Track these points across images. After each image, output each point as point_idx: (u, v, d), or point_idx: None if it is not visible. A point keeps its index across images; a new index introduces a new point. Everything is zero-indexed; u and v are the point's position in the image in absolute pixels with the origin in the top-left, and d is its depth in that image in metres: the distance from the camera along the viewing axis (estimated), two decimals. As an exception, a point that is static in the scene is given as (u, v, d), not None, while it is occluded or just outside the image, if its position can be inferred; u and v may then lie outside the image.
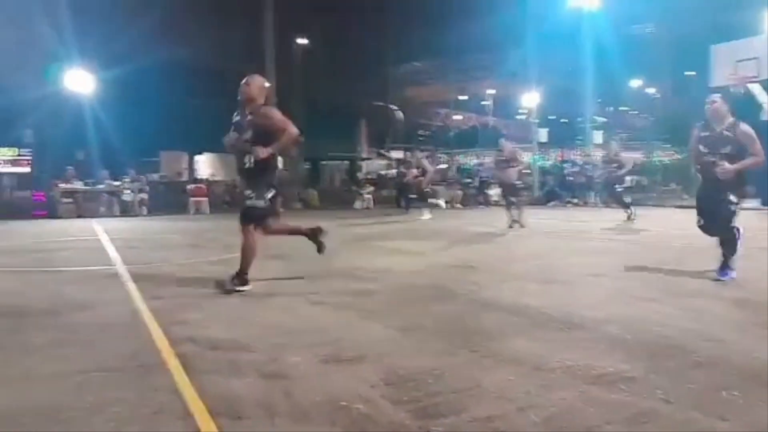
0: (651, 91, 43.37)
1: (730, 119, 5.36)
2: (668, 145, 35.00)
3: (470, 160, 37.67)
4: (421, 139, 42.41)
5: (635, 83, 42.46)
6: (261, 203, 5.11)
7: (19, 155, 19.98)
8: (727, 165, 5.17)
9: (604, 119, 39.34)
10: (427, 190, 15.04)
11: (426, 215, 14.10)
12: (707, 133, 5.45)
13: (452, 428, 2.33)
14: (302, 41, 29.11)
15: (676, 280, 5.41)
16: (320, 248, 5.84)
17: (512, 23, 27.25)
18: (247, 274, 5.12)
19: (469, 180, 25.30)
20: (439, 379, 2.84)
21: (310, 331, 3.79)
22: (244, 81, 5.25)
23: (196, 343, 3.49)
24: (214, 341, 3.53)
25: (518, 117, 42.97)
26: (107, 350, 3.41)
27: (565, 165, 29.58)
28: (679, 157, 29.06)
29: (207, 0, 24.51)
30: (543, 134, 29.27)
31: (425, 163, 15.06)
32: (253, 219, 5.14)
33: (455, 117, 46.82)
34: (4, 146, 20.19)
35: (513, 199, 11.33)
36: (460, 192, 23.15)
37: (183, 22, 24.04)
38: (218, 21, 24.60)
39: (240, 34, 23.50)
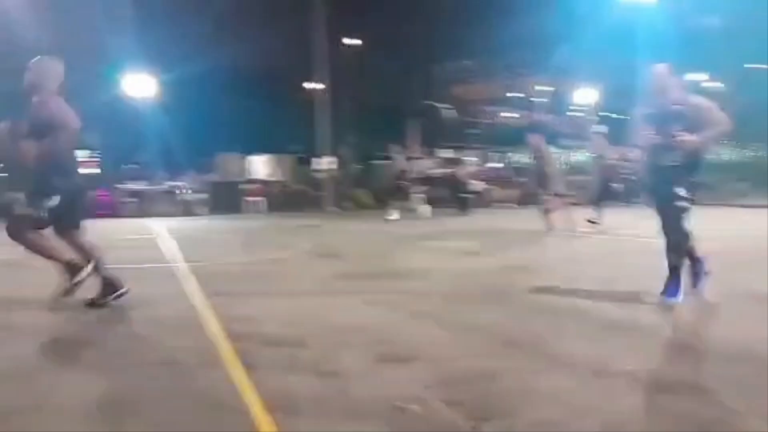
0: (713, 85, 41.63)
1: (678, 92, 4.48)
2: (734, 142, 33.49)
3: (526, 159, 36.97)
4: (471, 137, 41.96)
5: (697, 77, 40.78)
6: (31, 212, 4.21)
7: (90, 157, 20.90)
8: (687, 135, 4.18)
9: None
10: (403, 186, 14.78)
11: (394, 215, 13.90)
12: (653, 111, 4.55)
13: (506, 431, 2.30)
14: (351, 42, 29.33)
15: (746, 283, 5.14)
16: (69, 290, 4.37)
17: (565, 17, 26.68)
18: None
19: (525, 179, 24.88)
20: (494, 381, 2.81)
21: (363, 330, 3.81)
22: (29, 65, 4.35)
23: (253, 339, 3.56)
24: (270, 338, 3.59)
25: (570, 114, 41.95)
26: (168, 345, 3.52)
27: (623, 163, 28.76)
28: (751, 153, 27.62)
29: (260, 5, 25.01)
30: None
31: (402, 163, 14.91)
32: (14, 230, 4.24)
33: (504, 114, 46.17)
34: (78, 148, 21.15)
35: (550, 197, 10.39)
36: (516, 191, 22.81)
37: (238, 27, 24.60)
38: (271, 25, 25.09)
39: (292, 37, 23.89)
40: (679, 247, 4.32)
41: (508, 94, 44.38)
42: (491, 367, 3.00)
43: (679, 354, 3.18)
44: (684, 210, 4.30)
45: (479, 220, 13.85)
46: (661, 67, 4.49)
